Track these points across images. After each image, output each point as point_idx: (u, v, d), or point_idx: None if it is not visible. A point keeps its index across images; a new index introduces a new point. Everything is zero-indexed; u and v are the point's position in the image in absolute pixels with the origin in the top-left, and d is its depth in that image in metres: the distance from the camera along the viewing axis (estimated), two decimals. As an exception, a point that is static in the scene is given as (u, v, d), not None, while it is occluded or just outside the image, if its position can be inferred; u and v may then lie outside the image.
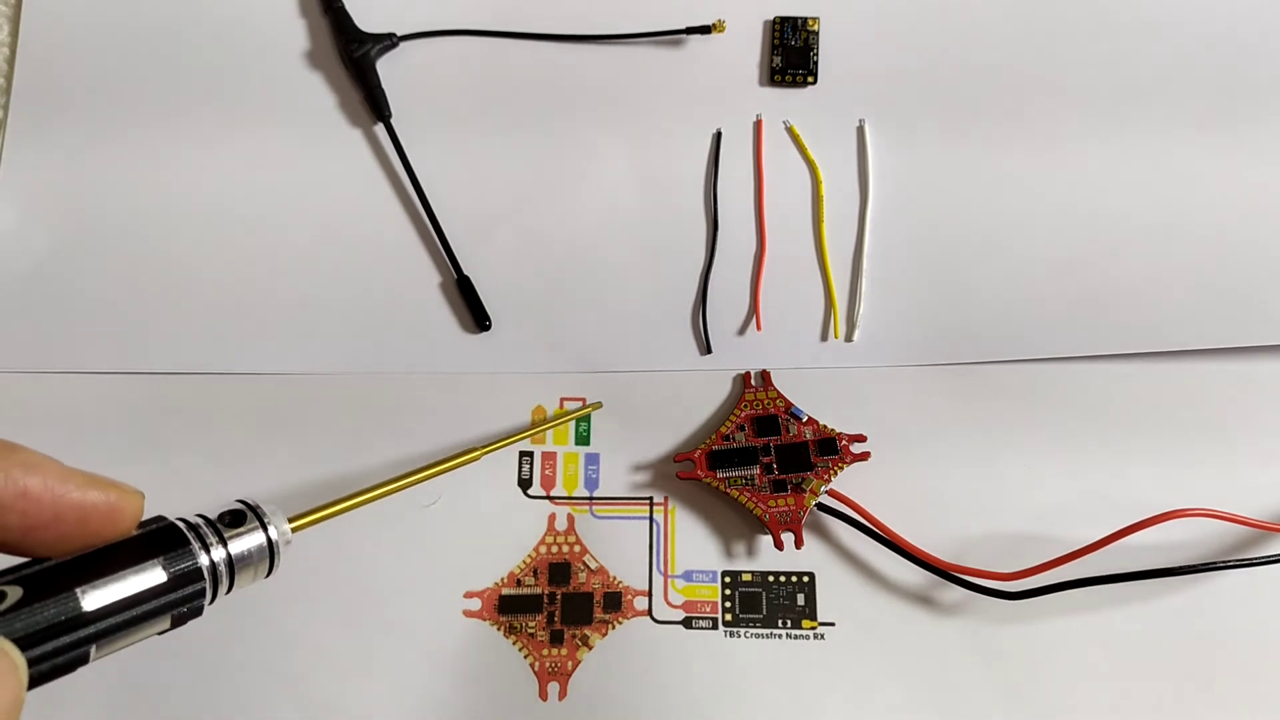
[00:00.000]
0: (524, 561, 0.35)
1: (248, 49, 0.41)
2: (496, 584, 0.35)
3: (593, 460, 0.36)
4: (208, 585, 0.21)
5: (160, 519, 0.21)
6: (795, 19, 0.41)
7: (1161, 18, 0.41)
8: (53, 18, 0.41)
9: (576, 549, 0.35)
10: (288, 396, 0.37)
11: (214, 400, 0.37)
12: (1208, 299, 0.38)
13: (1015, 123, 0.40)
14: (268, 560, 0.22)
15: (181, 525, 0.21)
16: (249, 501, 0.22)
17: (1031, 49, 0.41)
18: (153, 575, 0.20)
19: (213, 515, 0.22)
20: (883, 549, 0.34)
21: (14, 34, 0.41)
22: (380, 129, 0.40)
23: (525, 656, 0.34)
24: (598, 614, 0.34)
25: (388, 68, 0.40)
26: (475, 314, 0.38)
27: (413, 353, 0.38)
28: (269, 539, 0.22)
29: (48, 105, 0.40)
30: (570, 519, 0.36)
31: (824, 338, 0.38)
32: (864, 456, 0.35)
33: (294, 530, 0.23)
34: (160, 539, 0.20)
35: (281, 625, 0.34)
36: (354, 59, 0.40)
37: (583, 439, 0.37)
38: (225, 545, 0.21)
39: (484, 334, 0.38)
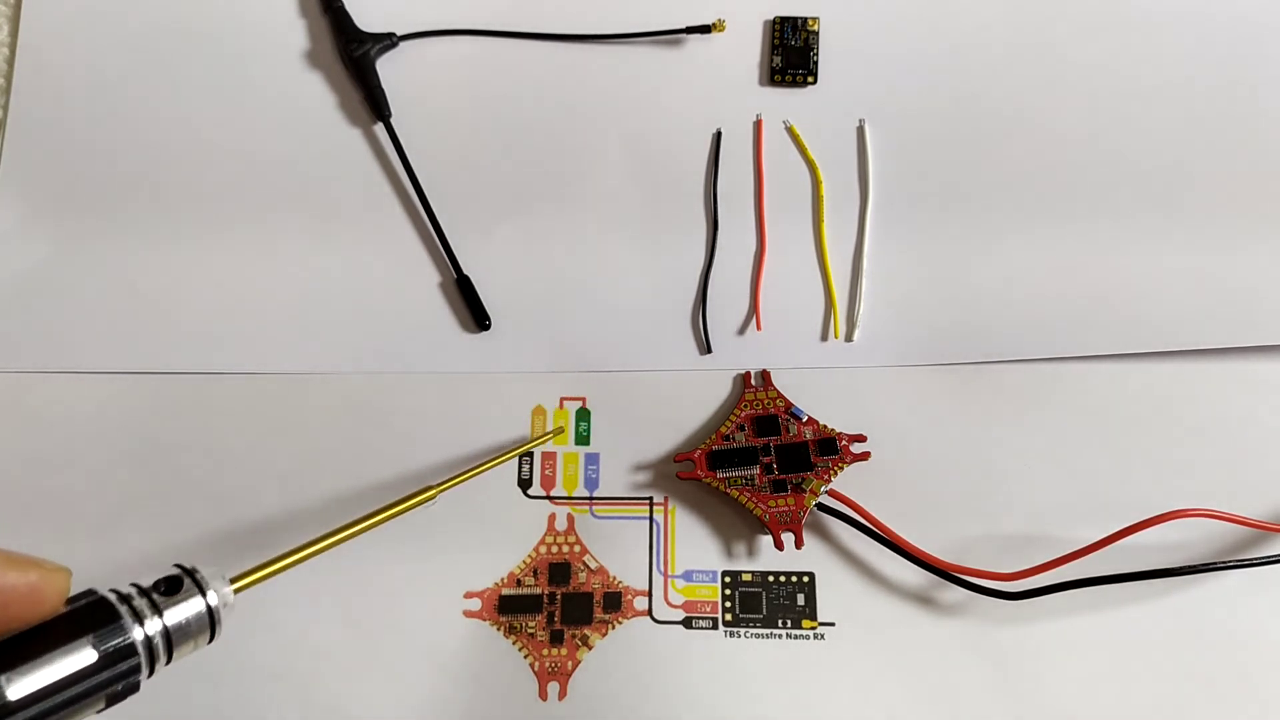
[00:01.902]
0: (524, 561, 0.35)
1: (248, 49, 0.41)
2: (496, 584, 0.35)
3: (593, 460, 0.36)
4: (143, 660, 0.20)
5: (90, 593, 0.20)
6: (795, 19, 0.41)
7: (1161, 15, 0.41)
8: (53, 18, 0.41)
9: (576, 549, 0.35)
10: (288, 396, 0.37)
11: (214, 400, 0.37)
12: (1208, 299, 0.38)
13: (1015, 122, 0.40)
14: (208, 628, 0.21)
15: (113, 597, 0.20)
16: (186, 566, 0.21)
17: (1031, 47, 0.41)
18: (83, 656, 0.18)
19: (149, 583, 0.21)
20: (883, 549, 0.34)
21: (14, 34, 0.41)
22: (380, 129, 0.40)
23: (525, 656, 0.34)
24: (598, 614, 0.34)
25: (388, 68, 0.40)
26: (475, 314, 0.38)
27: (413, 353, 0.38)
28: (208, 606, 0.21)
29: (48, 105, 0.40)
30: (570, 519, 0.36)
31: (824, 338, 0.38)
32: (864, 456, 0.35)
33: (237, 591, 0.22)
34: (90, 615, 0.19)
35: (282, 626, 0.34)
36: (354, 59, 0.40)
37: (583, 439, 0.37)
38: (161, 616, 0.20)
39: (484, 334, 0.38)
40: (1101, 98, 0.40)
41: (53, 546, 0.35)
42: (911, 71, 0.40)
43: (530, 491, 0.36)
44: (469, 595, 0.35)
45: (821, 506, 0.35)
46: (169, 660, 0.21)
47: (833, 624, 0.34)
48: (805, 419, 0.36)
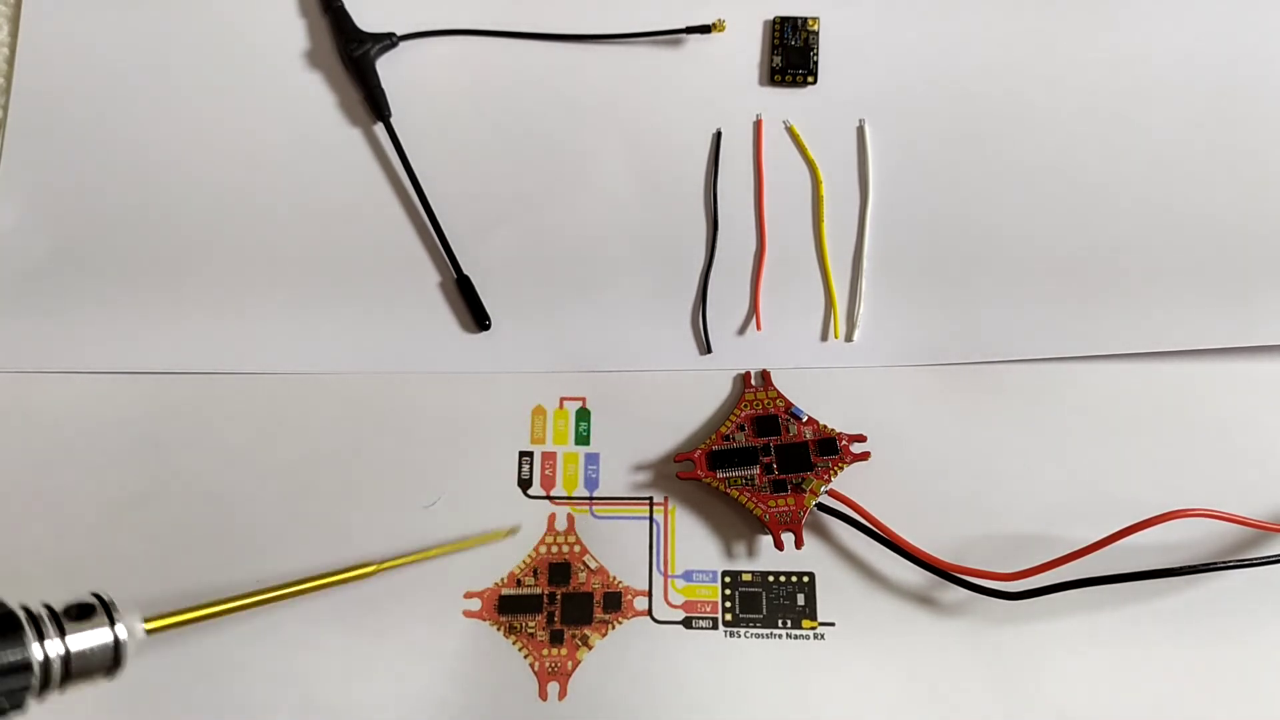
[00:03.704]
0: (524, 561, 0.35)
1: (248, 49, 0.41)
2: (496, 584, 0.35)
3: (593, 460, 0.36)
4: (36, 678, 0.19)
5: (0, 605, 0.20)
6: (795, 19, 0.41)
7: (1161, 16, 0.41)
8: (53, 17, 0.41)
9: (576, 549, 0.35)
10: (288, 396, 0.37)
11: (214, 400, 0.37)
12: (1208, 299, 0.38)
13: (1015, 122, 0.40)
14: (111, 659, 0.21)
15: (22, 615, 0.20)
16: (103, 596, 0.21)
17: (1031, 47, 0.41)
18: None
19: (62, 606, 0.20)
20: (883, 549, 0.34)
21: (14, 34, 0.41)
22: (380, 129, 0.40)
23: (525, 656, 0.34)
24: (598, 614, 0.34)
25: (388, 68, 0.40)
26: (475, 314, 0.38)
27: (413, 353, 0.38)
28: (115, 638, 0.21)
29: (48, 105, 0.40)
30: (570, 519, 0.36)
31: (824, 338, 0.38)
32: (864, 456, 0.35)
33: (149, 632, 0.22)
34: None
35: (281, 626, 0.34)
36: (354, 59, 0.40)
37: (583, 439, 0.37)
38: (64, 639, 0.20)
39: (484, 334, 0.38)
40: (1101, 96, 0.40)
41: (53, 546, 0.35)
42: (911, 71, 0.40)
43: (530, 491, 0.36)
44: (469, 595, 0.35)
45: (821, 506, 0.35)
46: (65, 686, 0.20)
47: (833, 624, 0.34)
48: (805, 419, 0.36)
